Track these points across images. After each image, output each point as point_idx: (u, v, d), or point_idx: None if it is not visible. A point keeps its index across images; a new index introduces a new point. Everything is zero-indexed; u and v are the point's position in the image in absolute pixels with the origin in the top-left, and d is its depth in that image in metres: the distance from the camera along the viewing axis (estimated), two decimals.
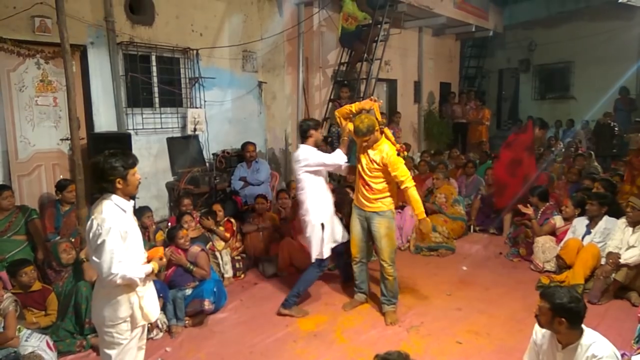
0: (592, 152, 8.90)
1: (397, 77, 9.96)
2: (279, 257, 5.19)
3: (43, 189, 5.32)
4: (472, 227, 6.52)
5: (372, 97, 4.15)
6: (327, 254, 4.11)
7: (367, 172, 3.90)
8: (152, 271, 2.64)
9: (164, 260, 2.88)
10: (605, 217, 4.73)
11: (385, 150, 3.81)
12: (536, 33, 12.74)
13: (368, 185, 3.92)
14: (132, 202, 2.63)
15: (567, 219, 5.15)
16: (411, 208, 3.91)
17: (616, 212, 4.77)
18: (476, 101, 10.63)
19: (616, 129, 9.57)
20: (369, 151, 3.87)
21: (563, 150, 9.06)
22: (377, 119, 3.90)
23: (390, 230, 3.96)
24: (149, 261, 2.69)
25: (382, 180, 3.89)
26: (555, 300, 2.27)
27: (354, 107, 4.05)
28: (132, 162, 2.56)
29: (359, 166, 3.96)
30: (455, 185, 6.92)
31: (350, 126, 4.00)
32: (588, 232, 4.74)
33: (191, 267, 4.19)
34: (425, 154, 8.89)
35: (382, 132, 3.90)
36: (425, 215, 3.86)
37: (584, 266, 4.44)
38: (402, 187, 3.80)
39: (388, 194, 3.93)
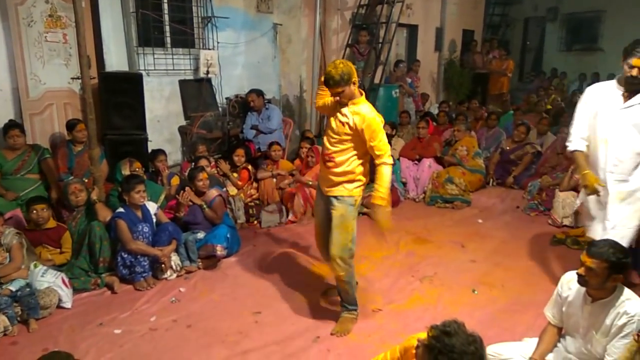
0: None
1: (418, 23, 9.50)
2: (295, 201, 5.13)
3: (55, 129, 5.24)
4: (491, 180, 6.38)
5: None
6: None
7: (333, 142, 2.99)
8: None
9: None
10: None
11: (363, 111, 2.88)
12: None
13: (331, 160, 3.00)
14: None
15: None
16: (376, 189, 2.88)
17: None
18: (500, 50, 10.16)
19: None
20: (341, 111, 2.95)
21: None
22: None
23: (346, 221, 3.01)
24: None
25: (351, 154, 2.96)
26: (612, 258, 2.11)
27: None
28: None
29: (326, 136, 3.09)
30: (475, 137, 6.72)
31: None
32: None
33: (205, 206, 4.18)
34: (444, 104, 8.62)
35: (361, 93, 3.00)
36: (386, 203, 2.88)
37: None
38: (378, 161, 2.89)
39: (356, 176, 3.00)
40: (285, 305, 3.45)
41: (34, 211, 3.66)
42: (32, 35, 4.95)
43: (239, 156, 5.32)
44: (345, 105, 2.93)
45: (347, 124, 2.90)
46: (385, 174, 2.88)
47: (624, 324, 2.12)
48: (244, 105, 6.48)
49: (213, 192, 4.29)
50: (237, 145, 5.60)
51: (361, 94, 2.98)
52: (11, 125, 4.44)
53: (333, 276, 3.37)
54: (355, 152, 2.96)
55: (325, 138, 3.11)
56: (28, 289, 3.16)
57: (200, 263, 4.03)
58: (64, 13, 5.13)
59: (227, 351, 2.92)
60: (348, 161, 2.97)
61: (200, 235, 4.13)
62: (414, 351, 1.97)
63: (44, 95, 5.12)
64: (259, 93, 6.21)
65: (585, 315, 2.27)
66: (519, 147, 6.32)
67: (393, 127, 6.81)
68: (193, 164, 4.91)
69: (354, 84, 2.88)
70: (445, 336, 1.63)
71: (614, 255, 2.13)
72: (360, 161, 3.00)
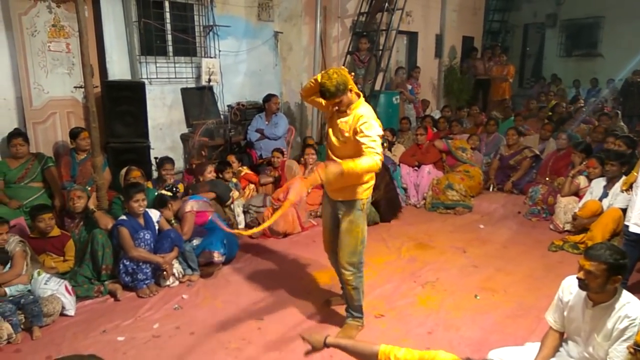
0: (619, 112, 8.59)
1: (418, 30, 9.56)
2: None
3: (58, 137, 5.29)
4: (491, 186, 6.40)
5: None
6: None
7: (335, 147, 2.99)
8: None
9: None
10: (623, 178, 4.55)
11: (361, 113, 2.82)
12: None
13: None
14: None
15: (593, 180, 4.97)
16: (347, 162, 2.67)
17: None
18: (501, 56, 10.20)
19: None
20: (339, 120, 2.91)
21: (586, 109, 8.76)
22: None
23: (354, 226, 2.99)
24: None
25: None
26: (609, 260, 2.13)
27: (319, 76, 2.95)
28: None
29: (327, 143, 3.10)
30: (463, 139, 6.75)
31: None
32: (605, 195, 4.57)
33: (174, 222, 4.17)
34: (446, 108, 8.65)
35: (358, 95, 2.94)
36: (343, 168, 2.62)
37: (603, 230, 4.30)
38: (364, 152, 2.69)
39: (361, 179, 2.92)
40: (287, 312, 3.46)
41: (42, 220, 3.68)
42: (36, 45, 5.01)
43: (231, 162, 5.45)
44: (344, 112, 2.90)
45: (344, 131, 2.87)
46: (363, 159, 2.64)
47: (626, 327, 2.12)
48: (245, 113, 6.53)
49: (186, 208, 4.22)
50: (229, 153, 5.65)
51: (358, 96, 2.93)
52: (14, 134, 4.49)
53: (337, 283, 3.38)
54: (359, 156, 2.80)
55: (327, 144, 3.11)
56: (32, 297, 3.17)
57: (199, 271, 4.03)
58: (67, 23, 5.19)
59: (230, 358, 2.92)
60: None
61: (196, 242, 4.14)
62: None
63: (47, 104, 5.16)
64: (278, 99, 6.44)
65: (587, 320, 2.27)
66: (518, 152, 6.34)
67: (393, 133, 6.85)
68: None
69: (350, 90, 2.84)
70: None
71: (611, 256, 2.14)
72: None
